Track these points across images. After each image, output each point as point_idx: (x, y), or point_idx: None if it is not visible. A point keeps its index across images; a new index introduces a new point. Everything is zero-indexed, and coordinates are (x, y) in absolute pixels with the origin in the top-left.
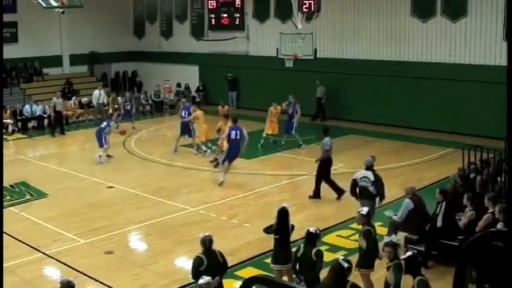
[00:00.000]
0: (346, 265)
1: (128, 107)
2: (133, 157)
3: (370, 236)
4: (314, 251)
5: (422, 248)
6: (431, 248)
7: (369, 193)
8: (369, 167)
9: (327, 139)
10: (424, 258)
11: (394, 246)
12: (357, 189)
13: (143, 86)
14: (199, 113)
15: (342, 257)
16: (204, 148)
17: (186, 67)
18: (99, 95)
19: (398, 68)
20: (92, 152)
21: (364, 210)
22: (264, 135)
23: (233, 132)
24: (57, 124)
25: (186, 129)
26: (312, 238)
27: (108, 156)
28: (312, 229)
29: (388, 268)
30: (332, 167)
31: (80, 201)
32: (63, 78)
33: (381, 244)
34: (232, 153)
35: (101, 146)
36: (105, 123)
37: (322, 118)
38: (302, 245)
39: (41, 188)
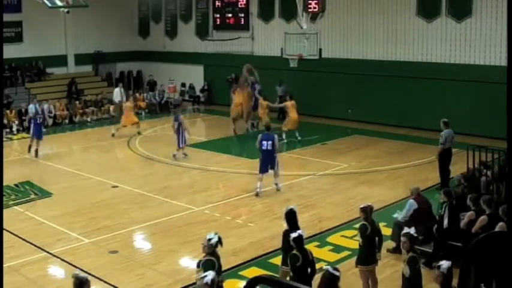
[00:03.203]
0: (336, 273)
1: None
2: (138, 157)
3: (365, 231)
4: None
5: (427, 249)
6: (438, 249)
7: None
8: None
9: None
10: (429, 259)
11: (410, 237)
12: None
13: (156, 85)
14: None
15: (330, 266)
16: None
17: (190, 67)
18: (119, 93)
19: (403, 68)
20: (94, 152)
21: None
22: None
23: (264, 143)
24: None
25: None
26: (300, 241)
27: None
28: (294, 234)
29: (404, 260)
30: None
31: (84, 200)
32: (68, 77)
33: (384, 244)
34: (263, 166)
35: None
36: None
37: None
38: (296, 251)
39: (45, 187)
